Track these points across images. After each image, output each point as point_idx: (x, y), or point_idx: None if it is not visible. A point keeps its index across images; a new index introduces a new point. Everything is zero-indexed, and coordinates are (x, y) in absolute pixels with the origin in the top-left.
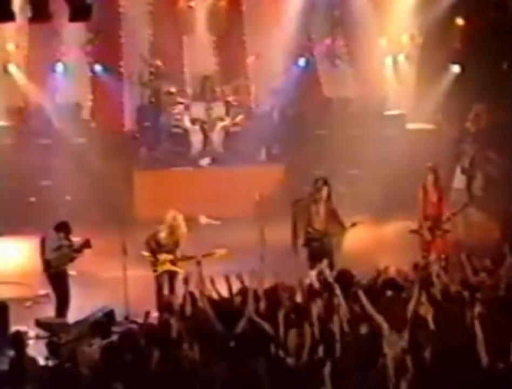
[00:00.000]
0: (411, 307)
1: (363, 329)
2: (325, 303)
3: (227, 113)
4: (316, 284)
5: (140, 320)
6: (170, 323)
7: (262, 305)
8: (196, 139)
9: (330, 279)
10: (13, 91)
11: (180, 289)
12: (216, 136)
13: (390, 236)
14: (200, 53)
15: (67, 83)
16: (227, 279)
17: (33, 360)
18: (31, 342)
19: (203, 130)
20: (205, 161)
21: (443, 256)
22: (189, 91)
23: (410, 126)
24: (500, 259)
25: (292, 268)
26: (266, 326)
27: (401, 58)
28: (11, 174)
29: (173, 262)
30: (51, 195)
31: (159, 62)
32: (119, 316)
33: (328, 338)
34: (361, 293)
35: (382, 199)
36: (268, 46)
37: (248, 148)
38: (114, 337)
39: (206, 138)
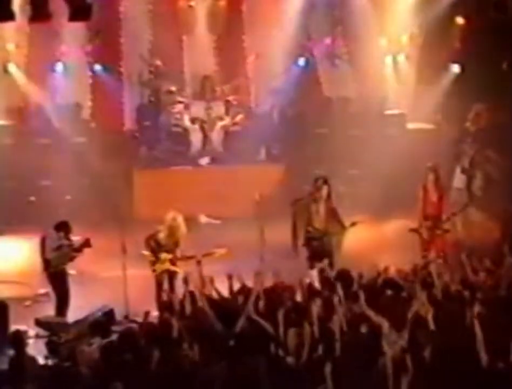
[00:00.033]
0: (414, 307)
1: (363, 329)
2: (325, 302)
3: (227, 113)
4: (317, 283)
5: (140, 320)
6: (170, 323)
7: (262, 304)
8: (196, 138)
9: (332, 277)
10: (13, 90)
11: (179, 288)
12: (216, 136)
13: (390, 236)
14: (199, 52)
15: (67, 83)
16: (230, 277)
17: (33, 359)
18: (30, 341)
19: (203, 129)
20: (205, 161)
21: (441, 254)
22: (189, 90)
23: (410, 125)
24: (500, 259)
25: (292, 267)
26: (265, 325)
27: (401, 57)
28: (11, 174)
29: (172, 262)
30: (50, 194)
31: (158, 62)
32: (118, 316)
33: (328, 337)
34: (361, 295)
35: (382, 198)
36: (268, 46)
37: (247, 147)
38: (114, 337)
39: (206, 137)
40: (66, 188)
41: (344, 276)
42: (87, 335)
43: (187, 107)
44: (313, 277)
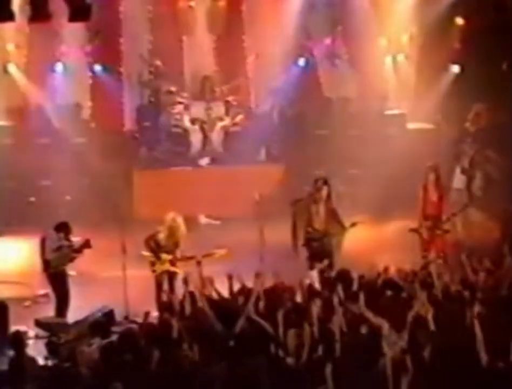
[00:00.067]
0: (415, 308)
1: (363, 329)
2: (325, 303)
3: (227, 113)
4: (317, 284)
5: (140, 320)
6: (170, 323)
7: (262, 305)
8: (195, 138)
9: (332, 277)
10: (13, 91)
11: (179, 289)
12: (216, 136)
13: (390, 236)
14: (199, 53)
15: (67, 83)
16: (230, 278)
17: (33, 360)
18: (30, 342)
19: (202, 130)
20: (205, 161)
21: (441, 255)
22: (188, 90)
23: (410, 125)
24: (500, 259)
25: (292, 268)
26: (265, 325)
27: (401, 57)
28: (11, 174)
29: (172, 262)
30: (50, 195)
31: (158, 62)
32: (118, 316)
33: (328, 338)
34: (361, 295)
35: (382, 198)
36: (268, 46)
37: (247, 148)
38: (114, 337)
39: (206, 138)
40: (66, 189)
41: (344, 277)
42: (87, 335)
43: (187, 107)
44: (313, 277)
